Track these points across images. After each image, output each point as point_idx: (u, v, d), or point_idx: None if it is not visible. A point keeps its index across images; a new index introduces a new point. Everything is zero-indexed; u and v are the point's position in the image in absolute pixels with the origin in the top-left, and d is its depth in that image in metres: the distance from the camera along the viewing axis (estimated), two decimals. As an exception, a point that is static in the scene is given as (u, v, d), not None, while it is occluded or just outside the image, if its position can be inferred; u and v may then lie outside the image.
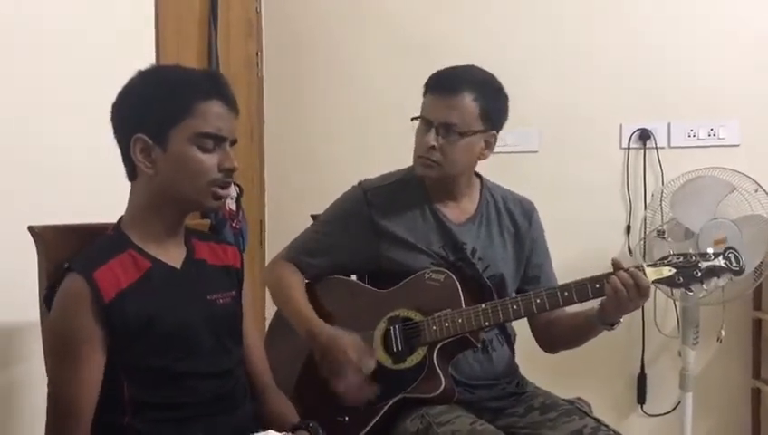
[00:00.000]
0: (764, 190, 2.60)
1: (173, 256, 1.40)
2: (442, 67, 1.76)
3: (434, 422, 1.58)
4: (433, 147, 1.69)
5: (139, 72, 1.39)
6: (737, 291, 2.68)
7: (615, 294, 1.55)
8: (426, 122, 1.72)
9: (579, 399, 1.76)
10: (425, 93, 1.75)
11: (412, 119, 1.74)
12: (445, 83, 1.70)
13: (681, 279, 1.57)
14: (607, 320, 1.63)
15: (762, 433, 2.97)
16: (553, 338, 1.82)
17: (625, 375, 3.09)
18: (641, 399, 3.06)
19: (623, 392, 3.09)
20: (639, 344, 3.04)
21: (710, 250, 1.58)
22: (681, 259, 1.58)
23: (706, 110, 3.00)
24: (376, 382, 1.67)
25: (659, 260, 1.60)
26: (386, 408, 1.66)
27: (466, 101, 1.69)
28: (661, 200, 2.73)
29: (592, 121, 3.08)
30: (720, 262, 1.56)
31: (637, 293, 1.54)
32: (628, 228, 3.05)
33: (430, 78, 1.74)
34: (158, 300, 1.33)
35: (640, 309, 2.97)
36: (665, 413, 3.03)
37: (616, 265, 1.59)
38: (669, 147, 3.03)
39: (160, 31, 2.48)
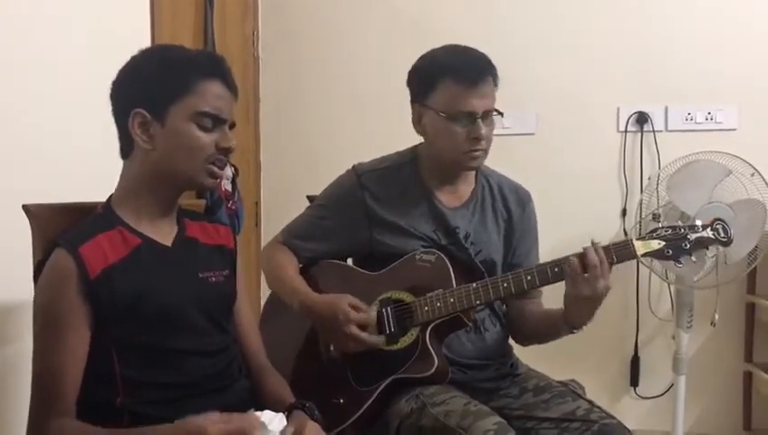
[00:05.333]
0: (760, 175, 2.61)
1: (164, 234, 1.39)
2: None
3: (428, 403, 1.58)
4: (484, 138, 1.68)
5: (141, 49, 1.37)
6: (731, 275, 2.69)
7: (571, 275, 1.56)
8: (466, 116, 1.66)
9: (572, 381, 1.77)
10: (447, 85, 1.66)
11: (448, 118, 1.66)
12: (476, 73, 1.66)
13: (670, 252, 1.58)
14: (570, 319, 1.62)
15: (753, 416, 3.00)
16: (523, 331, 1.83)
17: (619, 358, 3.11)
18: (634, 381, 3.08)
19: (617, 375, 3.11)
20: (634, 327, 3.05)
21: (698, 222, 1.59)
22: (670, 232, 1.59)
23: (704, 94, 2.99)
24: (372, 357, 1.67)
25: (648, 233, 1.61)
26: (380, 389, 1.66)
27: (493, 83, 1.69)
28: (657, 184, 2.73)
29: (590, 104, 3.07)
30: (708, 233, 1.57)
31: (597, 272, 1.53)
32: (624, 212, 3.05)
33: (456, 71, 1.66)
34: (148, 277, 1.32)
35: (635, 292, 2.99)
36: (658, 396, 3.05)
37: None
38: (666, 130, 3.03)
39: (156, 10, 2.45)
